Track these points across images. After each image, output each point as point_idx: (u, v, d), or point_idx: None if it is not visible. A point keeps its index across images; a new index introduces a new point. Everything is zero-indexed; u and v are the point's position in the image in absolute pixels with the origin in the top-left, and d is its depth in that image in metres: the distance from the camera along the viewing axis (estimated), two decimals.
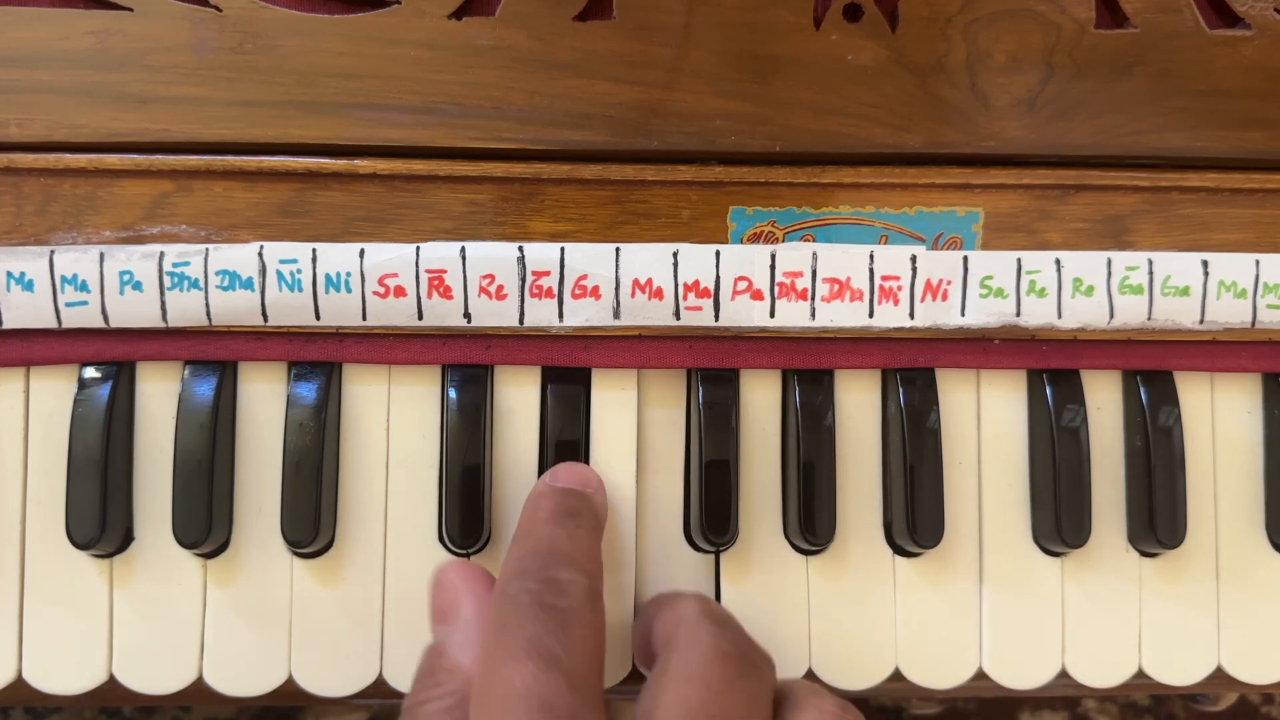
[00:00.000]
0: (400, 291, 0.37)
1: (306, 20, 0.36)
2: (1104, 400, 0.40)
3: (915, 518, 0.38)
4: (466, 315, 0.37)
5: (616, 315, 0.38)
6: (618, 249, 0.37)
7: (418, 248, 0.37)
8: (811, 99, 0.37)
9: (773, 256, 0.38)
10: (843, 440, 0.39)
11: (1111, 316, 0.39)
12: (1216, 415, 0.41)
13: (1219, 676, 0.40)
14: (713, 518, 0.38)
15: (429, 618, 0.35)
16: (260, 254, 0.37)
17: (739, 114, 0.37)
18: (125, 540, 0.38)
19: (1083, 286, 0.38)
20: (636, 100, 0.37)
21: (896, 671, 0.39)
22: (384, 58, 0.36)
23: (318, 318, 0.37)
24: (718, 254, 0.38)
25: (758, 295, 0.38)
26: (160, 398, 0.38)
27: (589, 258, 0.37)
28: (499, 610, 0.31)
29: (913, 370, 0.39)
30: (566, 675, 0.29)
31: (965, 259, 0.38)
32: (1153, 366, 0.40)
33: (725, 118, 0.37)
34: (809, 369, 0.39)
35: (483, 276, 0.37)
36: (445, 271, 0.37)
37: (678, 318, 0.38)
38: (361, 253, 0.37)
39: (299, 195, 0.37)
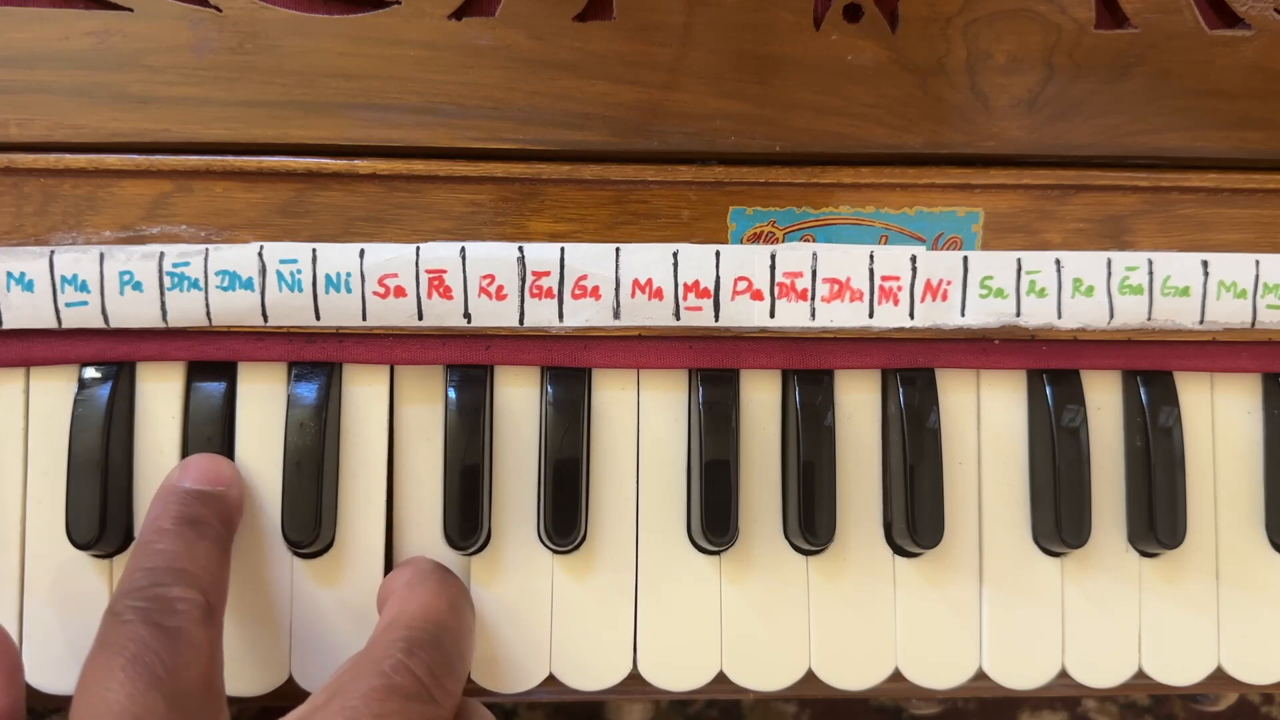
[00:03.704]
0: (400, 292, 0.37)
1: (306, 20, 0.36)
2: (1104, 400, 0.40)
3: (915, 518, 0.38)
4: (466, 315, 0.37)
5: (616, 315, 0.38)
6: (618, 249, 0.37)
7: (418, 248, 0.37)
8: (811, 99, 0.37)
9: (773, 257, 0.38)
10: (843, 440, 0.39)
11: (1111, 317, 0.39)
12: (1216, 415, 0.41)
13: (1219, 676, 0.40)
14: (713, 518, 0.38)
15: None
16: (260, 254, 0.37)
17: (739, 114, 0.37)
18: (125, 540, 0.38)
19: (1083, 287, 0.38)
20: (636, 100, 0.37)
21: (896, 671, 0.39)
22: (384, 58, 0.36)
23: (318, 318, 0.37)
24: (718, 254, 0.38)
25: (758, 295, 0.38)
26: (160, 398, 0.38)
27: (589, 258, 0.37)
28: (105, 627, 0.31)
29: (913, 370, 0.39)
30: (168, 696, 0.29)
31: (965, 259, 0.38)
32: (1153, 367, 0.40)
33: (725, 118, 0.37)
34: (809, 369, 0.39)
35: (483, 277, 0.37)
36: (445, 271, 0.37)
37: (678, 318, 0.38)
38: (361, 253, 0.37)
39: (299, 195, 0.37)
